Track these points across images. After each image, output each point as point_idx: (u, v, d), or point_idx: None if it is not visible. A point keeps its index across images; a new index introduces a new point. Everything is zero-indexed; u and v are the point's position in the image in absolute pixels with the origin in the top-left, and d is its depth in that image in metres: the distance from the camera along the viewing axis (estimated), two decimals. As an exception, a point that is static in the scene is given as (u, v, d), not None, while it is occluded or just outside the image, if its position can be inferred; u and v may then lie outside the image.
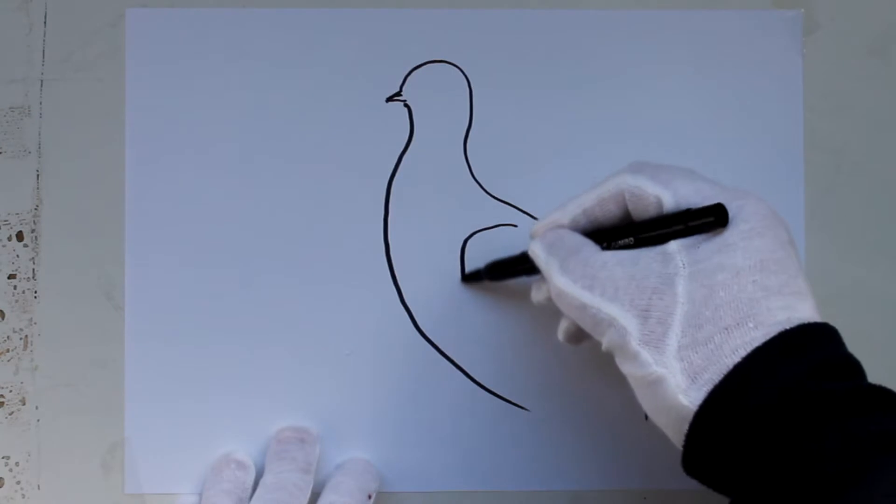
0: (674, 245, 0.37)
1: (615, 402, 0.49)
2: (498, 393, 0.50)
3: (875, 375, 0.36)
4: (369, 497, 0.47)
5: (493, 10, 0.50)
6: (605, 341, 0.38)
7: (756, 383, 0.34)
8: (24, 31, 0.50)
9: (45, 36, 0.50)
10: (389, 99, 0.50)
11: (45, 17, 0.50)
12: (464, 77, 0.50)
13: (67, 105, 0.50)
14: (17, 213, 0.50)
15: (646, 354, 0.36)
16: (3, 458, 0.49)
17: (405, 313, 0.50)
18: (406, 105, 0.50)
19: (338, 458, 0.49)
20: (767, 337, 0.34)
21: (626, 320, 0.37)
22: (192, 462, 0.49)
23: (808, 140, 0.50)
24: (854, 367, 0.35)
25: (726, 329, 0.35)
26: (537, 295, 0.44)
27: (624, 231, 0.40)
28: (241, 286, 0.50)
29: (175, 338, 0.49)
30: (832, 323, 0.36)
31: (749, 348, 0.34)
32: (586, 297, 0.38)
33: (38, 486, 0.49)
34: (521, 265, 0.45)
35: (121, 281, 0.50)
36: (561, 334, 0.43)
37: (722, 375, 0.34)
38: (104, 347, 0.50)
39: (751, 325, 0.35)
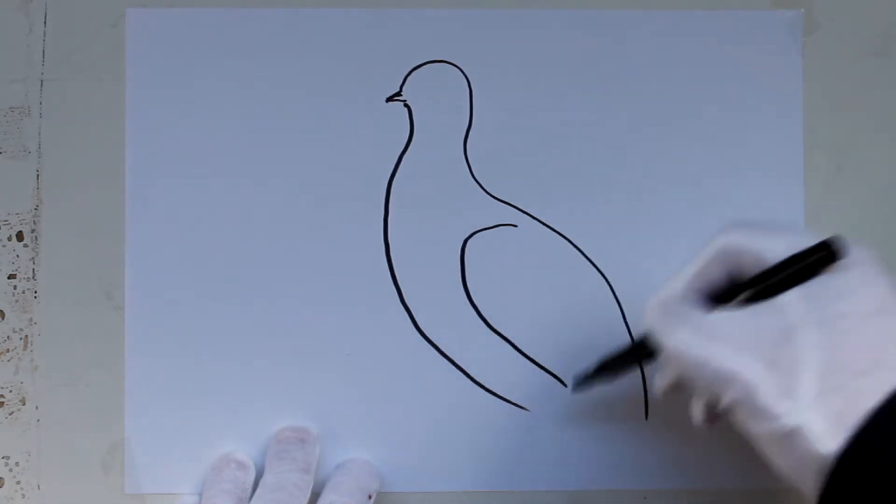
0: (789, 296, 0.37)
1: (615, 402, 0.49)
2: (498, 393, 0.50)
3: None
4: (369, 497, 0.47)
5: (493, 10, 0.50)
6: (727, 398, 0.37)
7: None
8: (24, 31, 0.50)
9: (45, 36, 0.50)
10: (389, 99, 0.50)
11: (45, 17, 0.50)
12: (464, 77, 0.50)
13: (67, 105, 0.50)
14: (17, 213, 0.50)
15: (776, 408, 0.36)
16: (3, 458, 0.49)
17: (405, 313, 0.50)
18: (406, 105, 0.50)
19: (338, 458, 0.49)
20: None
21: (752, 374, 0.36)
22: (192, 462, 0.49)
23: (807, 140, 0.50)
24: None
25: (860, 374, 0.35)
26: (661, 380, 0.43)
27: (736, 290, 0.40)
28: (240, 286, 0.50)
29: (175, 338, 0.49)
30: None
31: (886, 390, 0.34)
32: (704, 354, 0.38)
33: (38, 486, 0.49)
34: (634, 354, 0.45)
35: (121, 281, 0.50)
36: (697, 413, 0.42)
37: (862, 421, 0.34)
38: (104, 347, 0.49)
39: (885, 368, 0.35)
